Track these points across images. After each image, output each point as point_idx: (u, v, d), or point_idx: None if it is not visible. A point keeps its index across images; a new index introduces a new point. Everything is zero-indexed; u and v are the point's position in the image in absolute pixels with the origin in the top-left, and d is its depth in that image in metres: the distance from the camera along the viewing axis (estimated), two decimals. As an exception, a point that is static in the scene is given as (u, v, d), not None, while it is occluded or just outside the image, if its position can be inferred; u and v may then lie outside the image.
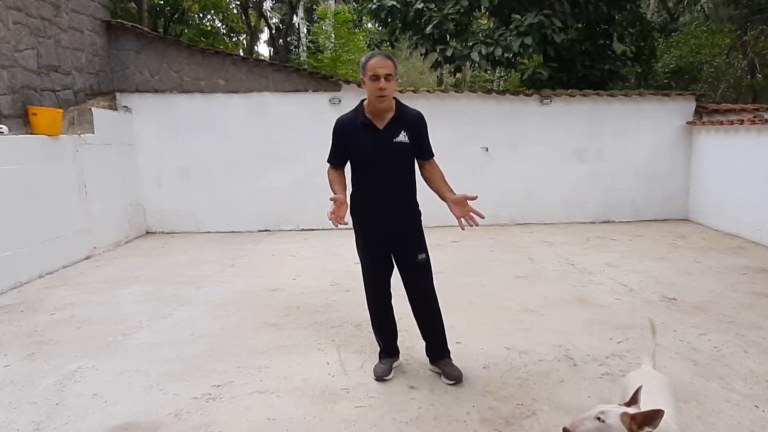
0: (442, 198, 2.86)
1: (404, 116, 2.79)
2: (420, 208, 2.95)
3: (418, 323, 3.04)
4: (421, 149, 2.86)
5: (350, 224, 2.90)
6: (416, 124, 2.82)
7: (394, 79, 2.67)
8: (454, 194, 2.81)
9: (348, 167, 2.94)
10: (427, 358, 3.08)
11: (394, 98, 2.78)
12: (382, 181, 2.80)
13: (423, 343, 3.09)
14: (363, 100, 2.83)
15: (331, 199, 2.69)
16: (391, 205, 2.83)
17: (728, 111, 7.37)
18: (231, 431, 2.52)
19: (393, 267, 2.97)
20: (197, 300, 4.49)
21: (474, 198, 2.70)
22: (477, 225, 2.74)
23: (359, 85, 7.24)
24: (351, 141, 2.80)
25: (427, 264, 2.93)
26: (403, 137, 2.76)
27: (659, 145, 7.78)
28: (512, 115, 7.62)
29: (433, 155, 2.92)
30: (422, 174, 2.92)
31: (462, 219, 2.74)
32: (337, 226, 2.67)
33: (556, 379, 2.96)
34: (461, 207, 2.74)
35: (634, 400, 1.74)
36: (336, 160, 2.91)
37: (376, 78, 2.63)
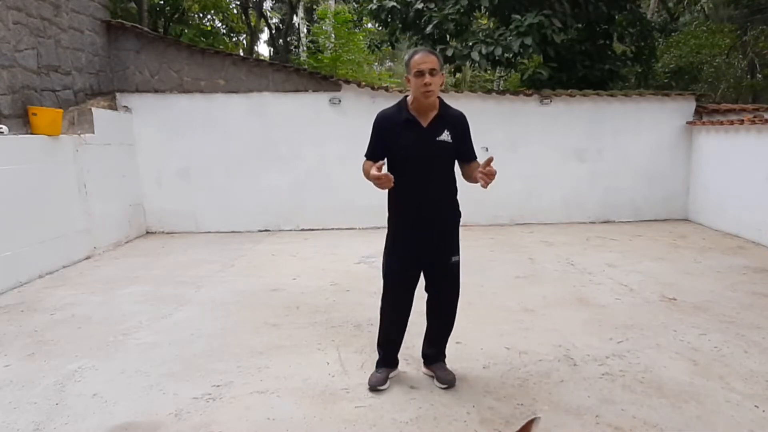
0: (475, 179, 2.65)
1: (448, 115, 2.74)
2: (460, 209, 2.86)
3: (429, 325, 3.01)
4: (464, 151, 2.79)
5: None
6: (459, 124, 2.75)
7: (439, 73, 2.61)
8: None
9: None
10: (422, 360, 3.07)
11: (438, 97, 2.72)
12: (422, 180, 2.72)
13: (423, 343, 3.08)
14: (405, 97, 2.78)
15: (375, 169, 2.50)
16: (431, 205, 2.75)
17: (728, 111, 7.37)
18: (231, 431, 2.52)
19: (420, 276, 2.88)
20: (197, 300, 4.49)
21: (490, 159, 2.51)
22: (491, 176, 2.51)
23: (359, 85, 7.34)
24: (392, 137, 2.72)
25: (458, 267, 2.87)
26: (446, 136, 2.70)
27: (659, 145, 7.78)
28: (512, 115, 7.62)
29: (476, 157, 2.83)
30: (463, 174, 2.82)
31: (481, 180, 2.52)
32: (387, 185, 2.52)
33: (556, 379, 2.96)
34: (484, 166, 2.52)
35: (525, 430, 1.66)
36: (374, 156, 2.78)
37: (420, 74, 2.57)
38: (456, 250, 2.86)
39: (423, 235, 2.77)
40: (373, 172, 2.50)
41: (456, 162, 2.82)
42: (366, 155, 2.82)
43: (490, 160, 2.51)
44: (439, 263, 2.84)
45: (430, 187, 2.73)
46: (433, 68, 2.58)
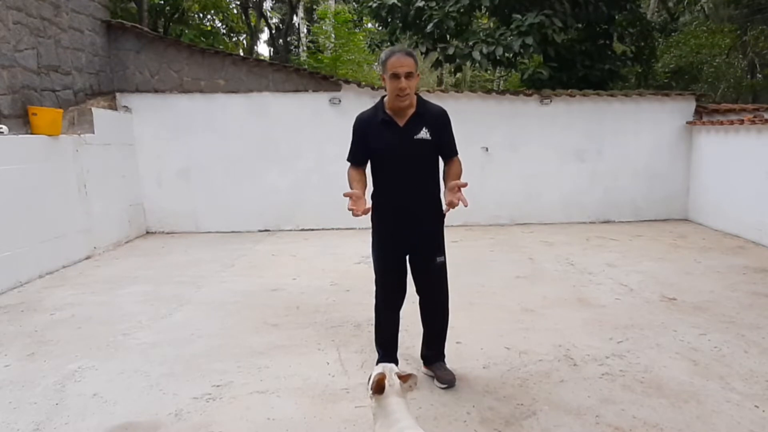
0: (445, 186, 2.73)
1: (426, 113, 2.72)
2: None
3: (424, 326, 3.01)
4: (444, 147, 2.77)
5: (370, 219, 2.77)
6: (438, 121, 2.73)
7: (415, 76, 2.60)
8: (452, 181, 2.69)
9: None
10: (421, 360, 3.07)
11: (416, 94, 2.71)
12: (402, 179, 2.71)
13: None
14: (383, 97, 2.77)
15: (345, 195, 2.56)
16: (412, 205, 2.74)
17: (728, 111, 7.37)
18: (231, 431, 2.52)
19: (407, 272, 2.89)
20: (197, 300, 4.49)
21: (464, 185, 2.56)
22: (456, 206, 2.56)
23: (359, 85, 7.34)
24: (370, 138, 2.71)
25: (444, 267, 2.88)
26: (424, 134, 2.67)
27: (659, 145, 7.78)
28: (512, 115, 7.62)
29: (456, 153, 2.81)
30: (443, 171, 2.82)
31: (447, 205, 2.59)
32: (358, 215, 2.51)
33: (556, 379, 2.96)
34: (452, 193, 2.58)
35: (407, 378, 2.03)
36: (355, 159, 2.80)
37: (396, 77, 2.55)
38: (441, 251, 2.86)
39: (405, 233, 2.78)
40: (349, 204, 2.52)
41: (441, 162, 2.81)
42: (348, 159, 2.82)
43: (462, 185, 2.53)
44: (424, 263, 2.85)
45: (410, 185, 2.71)
46: (409, 72, 2.56)
